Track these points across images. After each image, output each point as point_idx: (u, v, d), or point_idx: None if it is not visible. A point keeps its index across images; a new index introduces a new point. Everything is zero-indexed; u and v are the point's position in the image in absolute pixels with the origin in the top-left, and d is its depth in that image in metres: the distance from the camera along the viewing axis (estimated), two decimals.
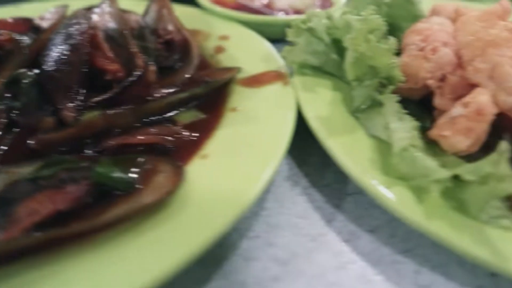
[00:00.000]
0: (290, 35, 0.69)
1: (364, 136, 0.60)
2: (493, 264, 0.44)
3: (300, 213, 0.56)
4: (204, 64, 0.78)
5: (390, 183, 0.52)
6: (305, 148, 0.67)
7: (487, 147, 0.62)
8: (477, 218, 0.49)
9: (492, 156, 0.47)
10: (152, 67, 0.59)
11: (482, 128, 0.53)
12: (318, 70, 0.72)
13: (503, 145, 0.47)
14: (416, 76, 0.62)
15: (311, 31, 0.69)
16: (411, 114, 0.61)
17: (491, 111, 0.53)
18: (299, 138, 0.63)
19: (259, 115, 0.63)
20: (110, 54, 0.63)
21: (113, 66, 0.62)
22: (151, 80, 0.59)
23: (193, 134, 0.60)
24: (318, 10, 0.73)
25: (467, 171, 0.47)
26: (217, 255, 0.50)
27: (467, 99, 0.54)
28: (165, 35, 0.76)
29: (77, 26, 0.64)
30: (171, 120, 0.63)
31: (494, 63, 0.56)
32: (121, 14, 0.73)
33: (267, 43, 0.80)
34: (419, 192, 0.50)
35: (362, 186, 0.52)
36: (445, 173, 0.48)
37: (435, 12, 0.77)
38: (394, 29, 0.77)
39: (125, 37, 0.65)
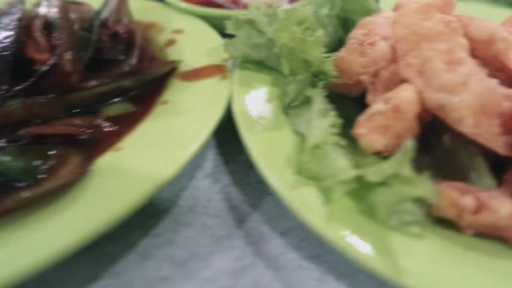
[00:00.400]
0: (229, 28, 0.67)
1: (289, 133, 0.57)
2: (387, 277, 0.40)
3: (213, 212, 0.54)
4: (152, 57, 0.77)
5: (300, 184, 0.48)
6: (235, 145, 0.64)
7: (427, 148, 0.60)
8: (386, 223, 0.45)
9: (396, 156, 0.43)
10: (68, 57, 0.58)
11: (401, 127, 0.49)
12: (261, 65, 0.69)
13: (408, 144, 0.43)
14: (350, 71, 0.59)
15: (251, 23, 0.66)
16: (347, 111, 0.57)
17: (410, 108, 0.48)
18: (231, 135, 0.61)
19: (187, 108, 0.61)
20: (42, 43, 0.63)
21: (42, 56, 0.61)
22: (67, 70, 0.57)
23: (114, 127, 0.59)
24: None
25: (371, 172, 0.44)
26: (112, 252, 0.48)
27: (389, 95, 0.50)
28: (113, 27, 0.75)
29: (10, 16, 0.64)
30: (98, 112, 0.62)
31: (424, 57, 0.52)
32: (67, 5, 0.73)
33: (218, 37, 0.78)
34: (327, 193, 0.47)
35: (271, 185, 0.49)
36: (349, 174, 0.45)
37: (397, 8, 0.73)
38: (348, 24, 0.74)
39: (59, 27, 0.64)
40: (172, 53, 0.76)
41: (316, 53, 0.57)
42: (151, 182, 0.48)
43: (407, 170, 0.43)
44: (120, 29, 0.73)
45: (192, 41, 0.79)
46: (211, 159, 0.62)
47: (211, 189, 0.57)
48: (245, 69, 0.68)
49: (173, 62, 0.70)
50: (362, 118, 0.51)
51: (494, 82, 0.51)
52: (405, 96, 0.49)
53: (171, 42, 0.79)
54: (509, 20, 0.67)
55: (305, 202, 0.46)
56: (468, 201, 0.44)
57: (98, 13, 0.81)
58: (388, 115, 0.48)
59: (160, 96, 0.65)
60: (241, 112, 0.59)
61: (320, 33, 0.56)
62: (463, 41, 0.55)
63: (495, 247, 0.45)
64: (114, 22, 0.76)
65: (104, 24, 0.76)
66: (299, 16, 0.56)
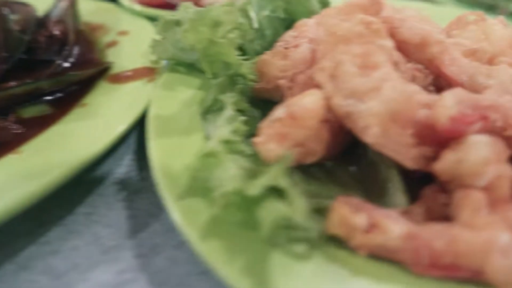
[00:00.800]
0: (157, 29, 0.64)
1: (198, 140, 0.53)
2: None
3: (109, 221, 0.50)
4: (87, 59, 0.75)
5: (189, 194, 0.45)
6: None
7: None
8: (268, 240, 0.41)
9: (272, 168, 0.40)
10: None
11: (302, 135, 0.45)
12: (193, 67, 0.66)
13: (285, 155, 0.39)
14: (268, 75, 0.55)
15: (179, 24, 0.64)
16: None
17: (311, 115, 0.44)
18: None
19: (103, 112, 0.59)
20: None
21: None
22: None
23: (22, 129, 0.57)
24: None
25: (250, 184, 0.40)
26: None
27: (291, 100, 0.46)
28: (51, 28, 0.74)
29: None
30: (13, 113, 0.60)
31: (337, 61, 0.48)
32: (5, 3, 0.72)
33: None
34: (211, 206, 0.43)
35: (161, 193, 0.46)
36: (230, 186, 0.41)
37: None
38: (292, 26, 0.71)
39: None
40: (111, 55, 0.74)
41: (231, 55, 0.53)
42: (36, 185, 0.46)
43: (283, 183, 0.39)
44: (56, 30, 0.72)
45: (133, 43, 0.77)
46: (126, 165, 0.59)
47: (115, 197, 0.54)
48: (174, 72, 0.65)
49: (101, 64, 0.68)
50: (263, 125, 0.47)
51: (413, 88, 0.46)
52: (306, 102, 0.45)
53: (112, 44, 0.77)
54: (456, 22, 0.63)
55: (188, 214, 0.43)
56: (360, 219, 0.40)
57: (47, 13, 0.80)
58: (285, 123, 0.44)
59: (82, 98, 0.63)
60: (155, 116, 0.56)
61: (233, 35, 0.53)
62: (388, 44, 0.50)
63: (391, 270, 0.40)
64: (54, 23, 0.74)
65: (44, 25, 0.75)
66: (212, 17, 0.53)
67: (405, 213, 0.46)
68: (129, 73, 0.66)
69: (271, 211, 0.40)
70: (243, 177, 0.43)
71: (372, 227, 0.39)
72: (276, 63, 0.54)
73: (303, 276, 0.39)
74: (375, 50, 0.48)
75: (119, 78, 0.66)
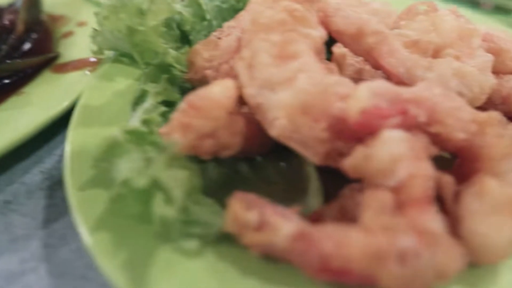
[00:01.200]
0: (98, 19, 0.63)
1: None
2: None
3: (26, 210, 0.50)
4: (45, 49, 0.74)
5: (91, 185, 0.43)
6: None
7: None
8: (159, 235, 0.39)
9: (157, 159, 0.37)
10: None
11: (208, 126, 0.42)
12: None
13: (168, 145, 0.37)
14: (196, 65, 0.53)
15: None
16: None
17: (216, 106, 0.42)
18: None
19: (38, 100, 0.59)
20: None
21: None
22: None
23: None
24: None
25: (138, 176, 0.38)
26: None
27: (201, 90, 0.44)
28: (6, 19, 0.74)
29: None
30: None
31: (254, 50, 0.45)
32: None
33: None
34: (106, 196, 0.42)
35: (65, 181, 0.44)
36: (122, 178, 0.39)
37: None
38: None
39: None
40: (65, 45, 0.74)
41: (156, 44, 0.52)
42: None
43: (164, 175, 0.37)
44: (6, 20, 0.72)
45: (89, 34, 0.76)
46: (57, 155, 0.58)
47: (38, 185, 0.53)
48: (117, 62, 0.64)
49: (47, 55, 0.67)
50: (174, 115, 0.45)
51: (333, 79, 0.43)
52: (212, 92, 0.42)
53: (68, 34, 0.76)
54: (406, 12, 0.59)
55: (84, 204, 0.41)
56: (251, 216, 0.37)
57: (9, 5, 0.80)
58: (188, 113, 0.42)
59: (22, 87, 0.62)
60: (83, 106, 0.55)
61: (155, 22, 0.51)
62: (314, 33, 0.47)
63: (282, 272, 0.37)
64: (7, 14, 0.74)
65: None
66: (135, 5, 0.51)
67: (318, 213, 0.44)
68: (72, 64, 0.65)
69: (161, 204, 0.38)
70: (144, 169, 0.42)
71: (262, 225, 0.37)
72: (203, 53, 0.52)
73: (187, 273, 0.37)
74: (295, 39, 0.46)
75: (62, 68, 0.65)
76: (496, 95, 0.55)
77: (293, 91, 0.41)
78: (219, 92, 0.43)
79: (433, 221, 0.37)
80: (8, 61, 0.64)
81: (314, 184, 0.45)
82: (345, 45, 0.53)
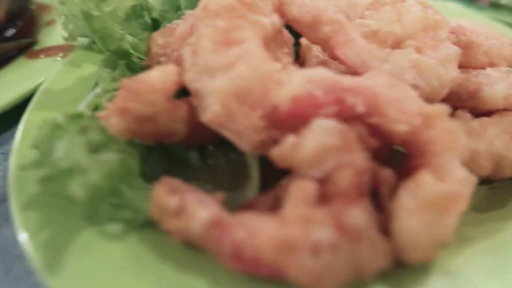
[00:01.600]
0: (67, 6, 0.63)
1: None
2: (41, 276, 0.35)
3: None
4: (27, 36, 0.76)
5: (31, 165, 0.44)
6: None
7: None
8: (86, 216, 0.39)
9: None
10: None
11: (145, 111, 0.42)
12: None
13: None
14: (151, 52, 0.53)
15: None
16: None
17: (151, 90, 0.42)
18: None
19: (5, 84, 0.60)
20: None
21: None
22: None
23: None
24: None
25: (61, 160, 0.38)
26: None
27: (141, 74, 0.44)
28: None
29: None
30: None
31: (199, 36, 0.45)
32: None
33: None
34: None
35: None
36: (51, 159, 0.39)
37: None
38: None
39: None
40: (46, 33, 0.75)
41: (113, 30, 0.52)
42: None
43: (83, 158, 0.37)
44: None
45: None
46: None
47: None
48: (88, 49, 0.64)
49: (24, 41, 0.69)
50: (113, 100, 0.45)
51: (272, 67, 0.42)
52: (150, 77, 0.42)
53: (51, 22, 0.78)
54: (373, 2, 0.56)
55: (20, 183, 0.42)
56: (171, 202, 0.37)
57: None
58: (125, 97, 0.42)
59: None
60: (45, 90, 0.56)
61: (110, 7, 0.51)
62: (264, 20, 0.47)
63: (203, 259, 0.37)
64: None
65: None
66: None
67: (251, 203, 0.43)
68: (45, 50, 0.67)
69: (76, 186, 0.38)
70: (82, 152, 0.42)
71: (180, 210, 0.36)
72: (158, 39, 0.52)
73: (105, 256, 0.37)
74: (241, 25, 0.45)
75: (36, 54, 0.67)
76: (463, 90, 0.53)
77: (230, 77, 0.41)
78: (157, 77, 0.42)
79: (358, 215, 0.35)
80: None
81: (253, 173, 0.44)
82: (303, 34, 0.52)
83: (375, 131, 0.41)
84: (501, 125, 0.50)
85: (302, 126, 0.39)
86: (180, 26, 0.52)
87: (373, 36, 0.50)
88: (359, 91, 0.40)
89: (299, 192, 0.36)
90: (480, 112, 0.53)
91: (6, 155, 0.57)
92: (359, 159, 0.38)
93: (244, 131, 0.40)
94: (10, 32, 0.75)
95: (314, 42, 0.52)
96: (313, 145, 0.36)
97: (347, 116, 0.39)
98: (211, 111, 0.40)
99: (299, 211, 0.35)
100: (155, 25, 0.63)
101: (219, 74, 0.42)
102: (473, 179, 0.41)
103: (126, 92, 0.42)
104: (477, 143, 0.48)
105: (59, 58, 0.65)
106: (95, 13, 0.51)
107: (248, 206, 0.42)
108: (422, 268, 0.38)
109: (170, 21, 0.64)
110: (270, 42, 0.48)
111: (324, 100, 0.39)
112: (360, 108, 0.39)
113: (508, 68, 0.54)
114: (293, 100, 0.38)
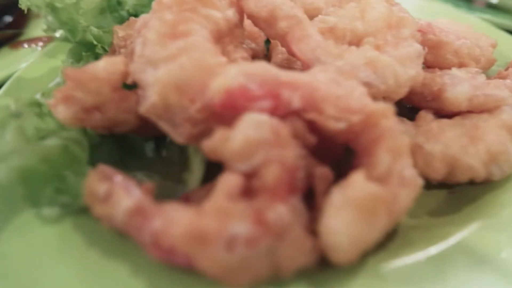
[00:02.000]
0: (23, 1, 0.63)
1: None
2: None
3: None
4: (19, 27, 0.79)
5: None
6: None
7: None
8: (30, 200, 0.40)
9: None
10: None
11: (90, 100, 0.43)
12: None
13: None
14: (114, 44, 0.54)
15: None
16: None
17: (96, 79, 0.42)
18: None
19: None
20: None
21: None
22: None
23: None
24: None
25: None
26: None
27: (90, 64, 0.45)
28: None
29: None
30: None
31: (148, 27, 0.45)
32: None
33: None
34: None
35: None
36: None
37: None
38: None
39: None
40: (34, 24, 0.78)
41: (77, 22, 0.53)
42: None
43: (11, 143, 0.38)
44: None
45: None
46: None
47: None
48: (66, 41, 0.66)
49: (4, 31, 0.72)
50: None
51: (215, 60, 0.42)
52: (96, 66, 0.43)
53: (39, 15, 0.80)
54: None
55: None
56: (101, 188, 0.37)
57: None
58: (69, 85, 0.43)
59: None
60: (16, 78, 0.58)
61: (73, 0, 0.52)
62: (215, 14, 0.46)
63: (132, 247, 0.37)
64: None
65: None
66: None
67: (187, 194, 0.43)
68: (27, 41, 0.69)
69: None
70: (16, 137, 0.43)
71: (108, 197, 0.37)
72: (119, 32, 0.53)
73: (36, 237, 0.38)
74: (190, 19, 0.45)
75: (18, 45, 0.69)
76: (427, 91, 0.51)
77: (171, 68, 0.41)
78: (102, 67, 0.43)
79: (281, 212, 0.35)
80: None
81: (195, 166, 0.45)
82: (262, 30, 0.52)
83: (313, 127, 0.40)
84: (462, 128, 0.48)
85: (238, 119, 0.40)
86: (141, 19, 0.53)
87: (330, 32, 0.50)
88: (296, 86, 0.39)
89: (224, 185, 0.36)
90: (446, 113, 0.52)
91: None
92: (291, 155, 0.37)
93: (182, 123, 0.41)
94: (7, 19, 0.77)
95: (272, 37, 0.51)
96: (241, 138, 0.36)
97: (283, 111, 0.39)
98: (149, 102, 0.40)
99: (218, 203, 0.35)
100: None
101: (162, 65, 0.42)
102: (418, 182, 0.40)
103: (70, 81, 0.43)
104: (433, 145, 0.47)
105: (39, 48, 0.67)
106: (59, 5, 0.52)
107: (184, 198, 0.42)
108: (351, 269, 0.37)
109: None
110: (225, 36, 0.48)
111: (257, 93, 0.39)
112: (297, 103, 0.39)
113: (477, 69, 0.52)
114: (225, 92, 0.38)
